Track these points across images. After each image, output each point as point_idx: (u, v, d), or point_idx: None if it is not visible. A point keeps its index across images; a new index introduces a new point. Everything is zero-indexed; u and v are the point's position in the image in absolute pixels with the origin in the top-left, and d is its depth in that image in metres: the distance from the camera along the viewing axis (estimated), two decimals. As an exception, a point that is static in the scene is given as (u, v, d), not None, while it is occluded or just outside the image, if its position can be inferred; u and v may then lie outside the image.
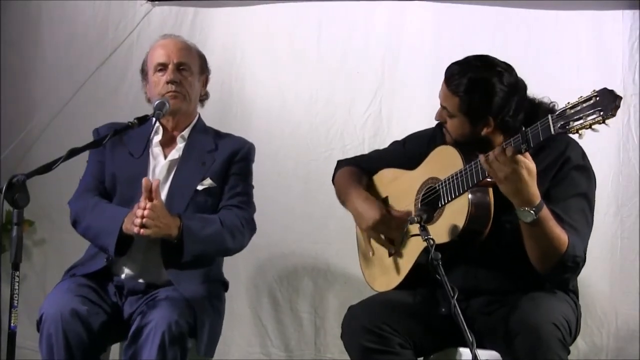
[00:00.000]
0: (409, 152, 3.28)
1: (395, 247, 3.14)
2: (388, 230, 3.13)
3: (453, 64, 2.98)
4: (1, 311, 2.60)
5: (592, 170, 2.95)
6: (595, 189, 2.94)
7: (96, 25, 4.53)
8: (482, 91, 2.88)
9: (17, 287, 2.61)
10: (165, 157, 3.35)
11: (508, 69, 2.93)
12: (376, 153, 3.45)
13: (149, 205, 3.06)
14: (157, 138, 3.36)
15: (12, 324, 2.59)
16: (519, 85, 2.94)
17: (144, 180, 3.09)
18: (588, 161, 2.94)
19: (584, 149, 2.96)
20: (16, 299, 2.61)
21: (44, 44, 4.59)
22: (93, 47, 4.51)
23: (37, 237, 4.45)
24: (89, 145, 3.09)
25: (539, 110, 2.94)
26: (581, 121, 2.47)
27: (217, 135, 3.47)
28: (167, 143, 3.39)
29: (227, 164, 3.36)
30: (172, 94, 3.30)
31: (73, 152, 3.09)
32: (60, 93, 4.52)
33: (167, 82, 3.31)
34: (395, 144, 3.40)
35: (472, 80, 2.89)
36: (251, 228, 3.37)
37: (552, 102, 2.95)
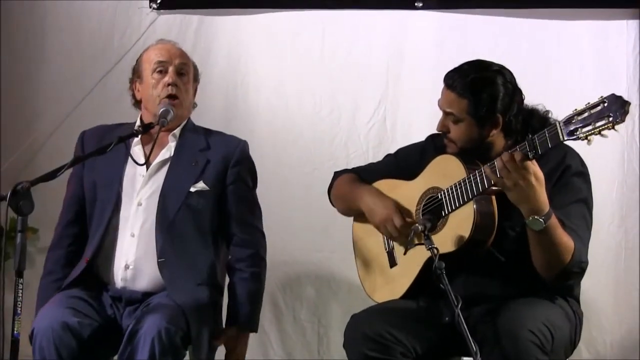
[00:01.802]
0: (401, 164, 3.28)
1: (396, 257, 3.15)
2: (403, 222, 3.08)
3: (450, 71, 3.01)
4: (5, 319, 2.59)
5: (589, 176, 2.98)
6: (592, 193, 2.97)
7: (101, 33, 4.53)
8: (489, 89, 2.91)
9: (20, 295, 2.61)
10: (147, 157, 3.25)
11: (504, 68, 2.98)
12: (371, 165, 3.46)
13: None
14: (136, 139, 3.30)
15: (15, 332, 2.60)
16: (517, 87, 2.98)
17: None
18: (586, 167, 2.97)
19: (588, 159, 2.99)
20: (20, 306, 2.61)
21: (48, 52, 4.59)
22: (98, 55, 4.52)
23: (41, 245, 4.43)
24: (94, 152, 3.10)
25: (533, 117, 2.98)
26: (590, 127, 2.49)
27: (208, 132, 3.42)
28: (148, 142, 3.28)
29: (222, 170, 3.31)
30: (171, 100, 3.25)
31: (77, 160, 3.11)
32: (65, 101, 4.52)
33: (168, 85, 3.28)
34: (388, 156, 3.41)
35: (477, 80, 2.92)
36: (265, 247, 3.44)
37: (546, 110, 2.99)
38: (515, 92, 2.96)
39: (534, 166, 2.67)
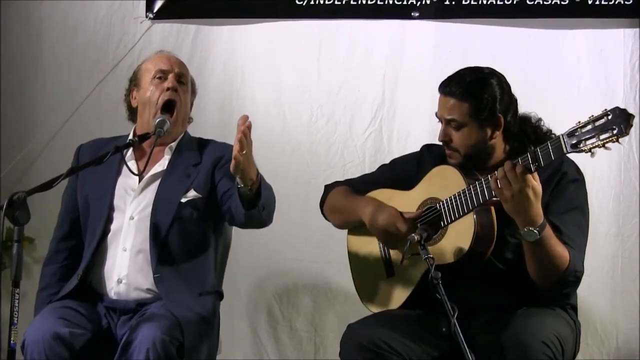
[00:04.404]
0: (397, 174, 3.28)
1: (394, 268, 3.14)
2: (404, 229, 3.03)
3: (445, 79, 3.03)
4: (1, 329, 2.59)
5: (585, 183, 3.00)
6: (588, 201, 2.99)
7: (97, 43, 4.54)
8: (488, 90, 2.95)
9: (17, 305, 2.61)
10: (140, 170, 3.22)
11: (495, 70, 3.02)
12: (364, 177, 3.45)
13: (248, 123, 2.76)
14: (128, 154, 3.29)
15: (11, 342, 2.59)
16: (511, 89, 3.02)
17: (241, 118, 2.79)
18: (582, 174, 3.00)
19: (585, 169, 3.02)
20: (16, 316, 2.61)
21: (44, 62, 4.60)
22: (94, 65, 4.53)
23: (37, 255, 4.43)
24: (89, 163, 3.09)
25: (527, 123, 3.02)
26: (594, 140, 2.50)
27: (202, 145, 3.40)
28: (141, 156, 3.30)
29: (211, 172, 3.28)
30: (167, 114, 3.23)
31: (73, 170, 3.11)
32: (61, 111, 4.53)
33: (168, 89, 3.27)
34: (382, 167, 3.42)
35: (475, 82, 2.96)
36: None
37: (538, 118, 3.03)
38: (511, 93, 3.00)
39: (533, 180, 2.68)
